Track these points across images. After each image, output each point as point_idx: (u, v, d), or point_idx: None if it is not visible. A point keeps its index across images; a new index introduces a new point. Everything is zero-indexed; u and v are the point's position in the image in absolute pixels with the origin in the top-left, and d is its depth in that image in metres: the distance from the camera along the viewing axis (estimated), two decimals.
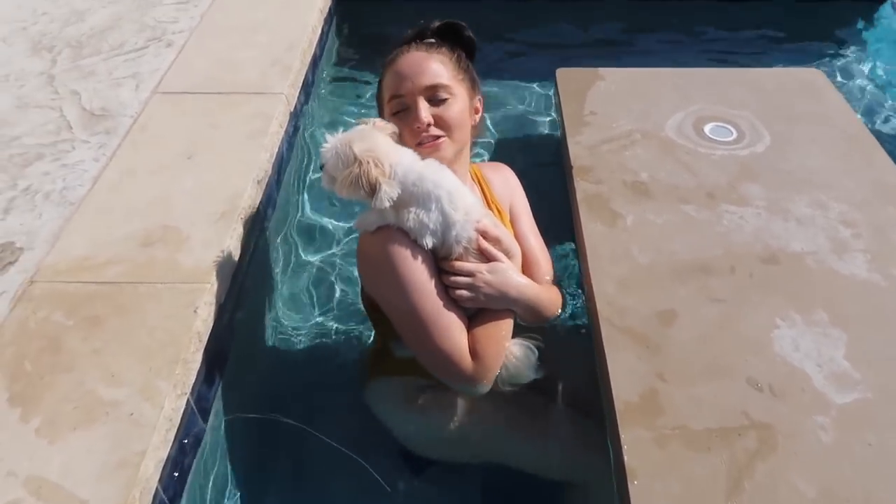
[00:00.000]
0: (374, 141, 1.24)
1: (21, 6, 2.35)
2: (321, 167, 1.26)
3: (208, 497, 1.30)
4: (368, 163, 1.19)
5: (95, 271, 1.34)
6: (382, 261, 1.24)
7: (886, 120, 2.46)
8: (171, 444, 1.12)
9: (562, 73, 2.11)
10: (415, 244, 1.24)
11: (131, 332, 1.23)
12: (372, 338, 1.64)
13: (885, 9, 2.94)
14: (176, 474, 1.15)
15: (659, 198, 1.65)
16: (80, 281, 1.32)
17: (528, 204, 1.59)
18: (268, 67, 1.95)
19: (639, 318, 1.36)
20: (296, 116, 1.95)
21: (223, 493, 1.36)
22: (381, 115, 1.41)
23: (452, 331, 1.23)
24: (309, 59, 2.11)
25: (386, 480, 1.37)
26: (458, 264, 1.26)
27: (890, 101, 2.50)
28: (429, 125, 1.30)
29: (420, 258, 1.24)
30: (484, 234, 1.28)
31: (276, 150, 1.74)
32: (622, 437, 1.16)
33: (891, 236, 1.54)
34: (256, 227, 1.57)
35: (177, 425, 1.15)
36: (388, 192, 1.19)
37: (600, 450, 1.25)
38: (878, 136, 2.25)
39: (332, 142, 1.24)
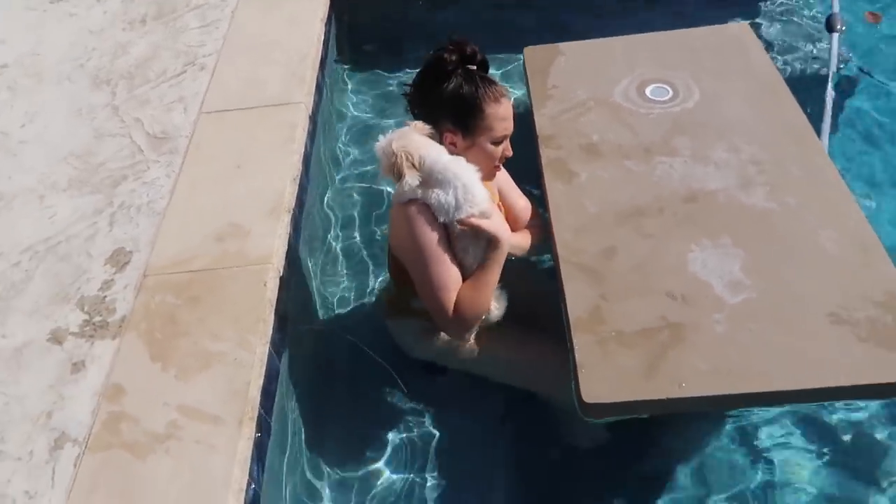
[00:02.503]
0: (409, 139, 1.68)
1: (73, 44, 2.80)
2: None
3: (287, 409, 1.83)
4: (401, 156, 1.65)
5: (187, 263, 1.85)
6: (406, 226, 1.71)
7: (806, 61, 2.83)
8: (262, 377, 1.64)
9: (528, 52, 2.50)
10: (433, 217, 1.69)
11: (223, 304, 1.74)
12: (393, 291, 2.13)
13: None
14: (267, 396, 1.68)
15: (607, 156, 2.07)
16: (180, 272, 1.83)
17: (504, 171, 2.01)
18: (287, 80, 2.40)
19: (588, 256, 1.82)
20: (313, 119, 2.40)
21: (297, 408, 1.89)
22: (460, 119, 1.75)
23: (447, 291, 1.69)
24: (317, 65, 2.54)
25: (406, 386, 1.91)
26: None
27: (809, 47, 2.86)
28: None
29: (434, 228, 1.68)
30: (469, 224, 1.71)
31: (303, 150, 2.20)
32: (574, 341, 1.64)
33: (789, 170, 1.95)
34: (296, 215, 2.05)
35: (265, 364, 1.66)
36: (409, 181, 1.65)
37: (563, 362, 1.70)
38: (800, 79, 2.64)
39: (382, 140, 1.71)
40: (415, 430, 1.96)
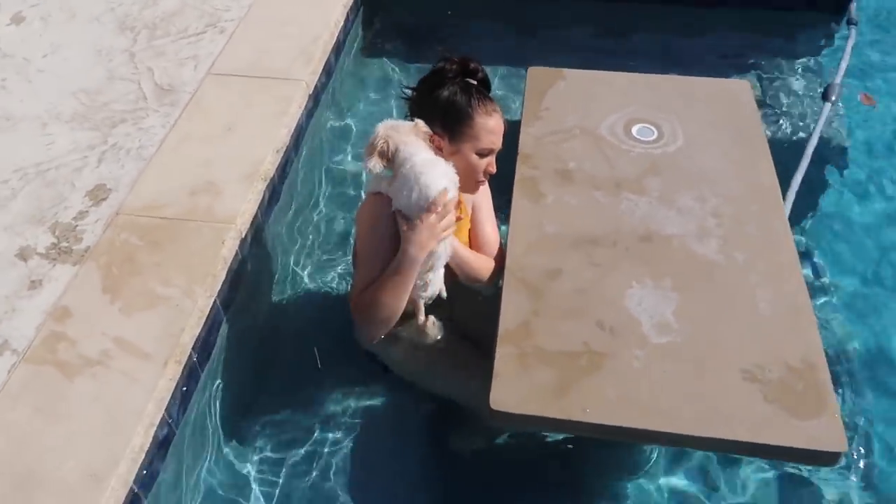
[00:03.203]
0: (399, 131, 1.70)
1: None
2: None
3: (225, 358, 1.92)
4: (380, 142, 1.68)
5: (159, 210, 1.96)
6: (362, 215, 1.80)
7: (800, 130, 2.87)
8: (201, 327, 1.74)
9: (532, 72, 2.57)
10: (388, 213, 1.73)
11: (180, 254, 1.84)
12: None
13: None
14: (204, 347, 1.78)
15: (578, 184, 2.13)
16: (149, 216, 1.94)
17: (490, 199, 2.07)
18: (295, 56, 2.50)
19: (534, 272, 1.88)
20: (315, 98, 2.49)
21: (233, 366, 1.98)
22: (448, 124, 1.79)
23: (368, 281, 1.73)
24: (331, 48, 2.63)
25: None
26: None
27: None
28: None
29: (382, 224, 1.73)
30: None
31: (295, 125, 2.30)
32: (497, 349, 1.71)
33: (745, 227, 1.99)
34: (272, 185, 2.14)
35: (206, 315, 1.76)
36: (371, 165, 1.69)
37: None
38: (787, 145, 2.69)
39: (380, 124, 1.74)
40: (342, 415, 2.03)
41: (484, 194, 2.07)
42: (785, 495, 1.92)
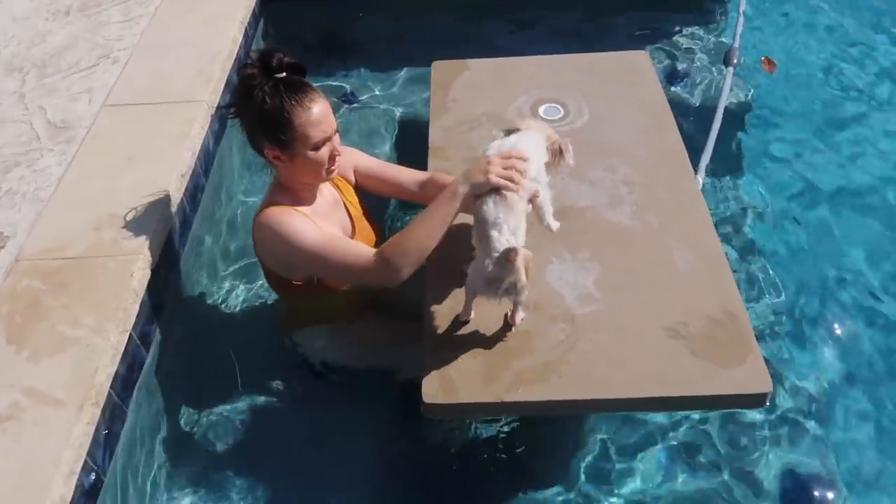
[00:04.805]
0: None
1: None
2: None
3: (154, 391, 1.86)
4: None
5: (61, 251, 1.88)
6: (277, 230, 1.72)
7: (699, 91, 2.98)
8: (117, 364, 1.67)
9: (436, 65, 2.57)
10: (290, 209, 1.71)
11: (87, 292, 1.77)
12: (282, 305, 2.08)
13: None
14: (125, 385, 1.71)
15: None
16: (51, 258, 1.86)
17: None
18: (193, 77, 2.44)
19: (454, 262, 1.85)
20: (221, 118, 2.44)
21: (170, 389, 1.92)
22: (274, 136, 1.67)
23: (359, 256, 1.68)
24: (230, 65, 2.58)
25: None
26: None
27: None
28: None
29: (298, 218, 1.70)
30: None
31: (200, 148, 2.24)
32: (424, 344, 1.69)
33: (657, 191, 2.03)
34: (181, 211, 2.09)
35: (121, 351, 1.69)
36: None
37: None
38: (697, 112, 2.76)
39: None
40: (281, 433, 1.99)
41: (357, 156, 2.03)
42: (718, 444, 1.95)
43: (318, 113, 1.66)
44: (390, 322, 2.02)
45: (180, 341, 2.02)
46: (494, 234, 1.52)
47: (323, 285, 1.85)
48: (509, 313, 1.67)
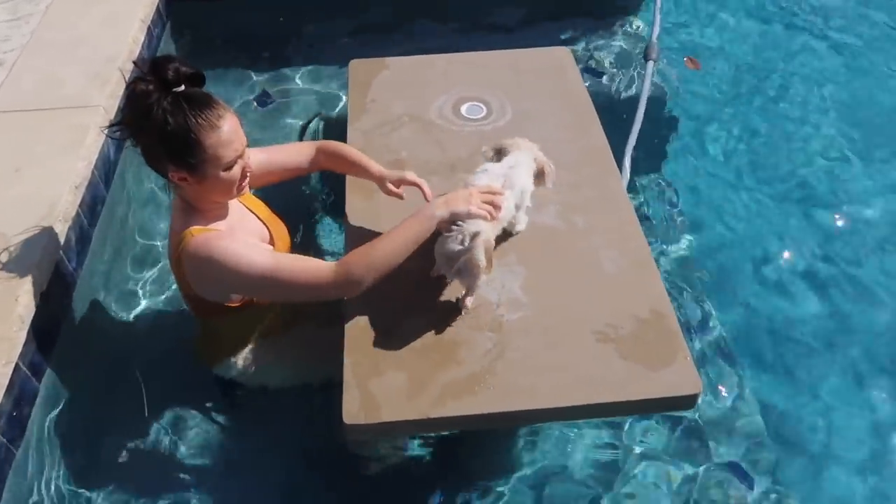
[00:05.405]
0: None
1: None
2: None
3: (49, 428, 1.70)
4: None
5: None
6: (214, 256, 1.56)
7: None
8: (1, 398, 1.50)
9: (353, 65, 2.47)
10: (223, 233, 1.59)
11: None
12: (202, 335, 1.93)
13: None
14: (13, 422, 1.54)
15: (413, 172, 2.06)
16: None
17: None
18: (88, 81, 2.25)
19: None
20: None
21: (68, 422, 1.77)
22: (180, 159, 1.50)
23: (313, 271, 1.58)
24: (130, 68, 2.40)
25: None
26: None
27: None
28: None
29: (230, 239, 1.58)
30: None
31: (96, 157, 2.06)
32: (345, 361, 1.59)
33: (582, 191, 1.99)
34: (77, 225, 1.91)
35: (5, 386, 1.52)
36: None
37: None
38: (618, 103, 2.76)
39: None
40: (199, 460, 1.86)
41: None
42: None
43: (228, 131, 1.50)
44: (323, 329, 1.89)
45: (80, 368, 1.85)
46: (468, 221, 1.58)
47: (257, 302, 1.74)
48: (461, 296, 1.68)
